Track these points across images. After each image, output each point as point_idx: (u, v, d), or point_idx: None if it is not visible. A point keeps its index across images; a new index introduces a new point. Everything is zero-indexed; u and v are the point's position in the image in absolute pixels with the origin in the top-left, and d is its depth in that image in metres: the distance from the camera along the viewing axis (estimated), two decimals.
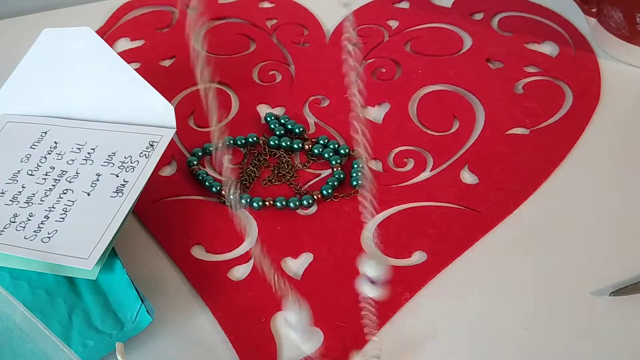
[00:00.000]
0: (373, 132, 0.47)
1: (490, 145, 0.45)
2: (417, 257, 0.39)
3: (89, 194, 0.38)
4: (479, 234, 0.40)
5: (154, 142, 0.40)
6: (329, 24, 0.56)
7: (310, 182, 0.44)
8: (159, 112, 0.41)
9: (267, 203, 0.42)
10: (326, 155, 0.44)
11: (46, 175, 0.40)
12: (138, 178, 0.38)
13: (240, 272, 0.39)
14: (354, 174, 0.43)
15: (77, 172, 0.40)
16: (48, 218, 0.37)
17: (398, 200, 0.42)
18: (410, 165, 0.44)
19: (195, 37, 0.32)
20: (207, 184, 0.43)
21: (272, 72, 0.52)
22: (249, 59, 0.53)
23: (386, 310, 0.36)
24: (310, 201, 0.41)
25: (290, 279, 0.38)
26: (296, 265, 0.39)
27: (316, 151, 0.45)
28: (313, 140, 0.46)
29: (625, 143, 0.46)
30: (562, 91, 0.49)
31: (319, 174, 0.44)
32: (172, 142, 0.42)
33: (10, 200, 0.38)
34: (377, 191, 0.43)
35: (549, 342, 0.35)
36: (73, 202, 0.38)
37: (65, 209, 0.37)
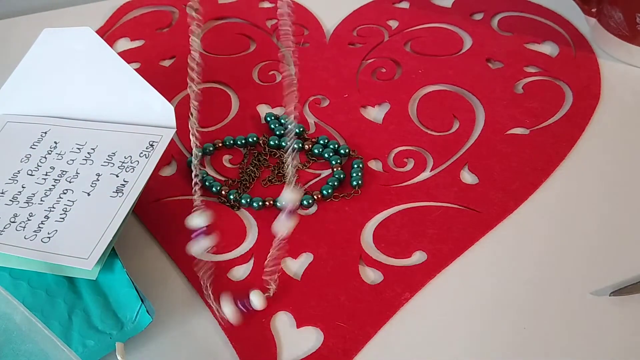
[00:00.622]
0: (373, 132, 0.47)
1: (490, 145, 0.45)
2: (417, 257, 0.39)
3: (89, 194, 0.38)
4: (479, 234, 0.40)
5: (154, 142, 0.40)
6: (329, 24, 0.56)
7: (310, 182, 0.44)
8: (158, 112, 0.41)
9: (267, 203, 0.42)
10: (326, 155, 0.44)
11: (46, 175, 0.40)
12: (138, 178, 0.38)
13: (240, 272, 0.39)
14: (354, 174, 0.43)
15: (77, 172, 0.40)
16: (48, 218, 0.37)
17: (398, 200, 0.42)
18: (410, 165, 0.44)
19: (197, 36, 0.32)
20: (207, 184, 0.43)
21: (272, 72, 0.52)
22: (249, 59, 0.53)
23: (386, 310, 0.36)
24: (310, 201, 0.41)
25: (290, 279, 0.38)
26: (296, 265, 0.39)
27: (316, 151, 0.45)
28: (313, 140, 0.46)
29: (625, 143, 0.46)
30: (562, 91, 0.49)
31: (319, 174, 0.44)
32: (172, 142, 0.42)
33: (10, 200, 0.38)
34: (377, 191, 0.43)
35: (549, 342, 0.35)
36: (73, 202, 0.38)
37: (65, 209, 0.37)
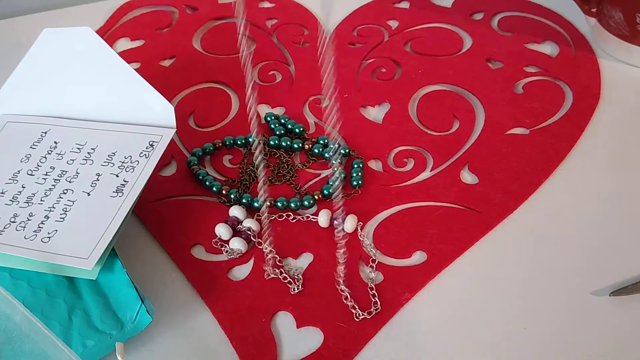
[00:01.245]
0: (373, 132, 0.47)
1: (490, 145, 0.45)
2: (417, 257, 0.39)
3: (89, 194, 0.38)
4: (479, 234, 0.40)
5: (154, 142, 0.40)
6: (329, 24, 0.56)
7: (311, 182, 0.44)
8: (158, 112, 0.41)
9: (267, 203, 0.42)
10: (326, 155, 0.44)
11: (46, 175, 0.40)
12: (138, 178, 0.38)
13: (240, 272, 0.39)
14: (354, 174, 0.43)
15: (77, 172, 0.40)
16: (48, 218, 0.37)
17: (398, 200, 0.42)
18: (410, 165, 0.44)
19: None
20: (207, 183, 0.43)
21: (272, 72, 0.52)
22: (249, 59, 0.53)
23: (386, 310, 0.36)
24: (311, 201, 0.41)
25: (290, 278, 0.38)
26: (296, 265, 0.39)
27: (316, 151, 0.45)
28: (313, 140, 0.46)
29: (625, 143, 0.46)
30: (562, 91, 0.49)
31: (319, 174, 0.44)
32: (172, 142, 0.42)
33: (10, 200, 0.38)
34: (377, 191, 0.43)
35: (549, 342, 0.35)
36: (73, 202, 0.38)
37: (65, 209, 0.37)
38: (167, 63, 0.53)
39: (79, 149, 0.41)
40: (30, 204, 0.38)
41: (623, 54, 0.51)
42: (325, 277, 0.38)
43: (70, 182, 0.39)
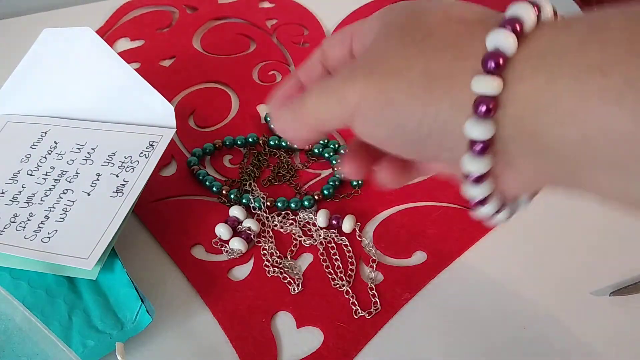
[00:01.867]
0: None
1: None
2: (417, 257, 0.39)
3: (89, 194, 0.38)
4: (479, 234, 0.40)
5: (154, 142, 0.40)
6: (329, 24, 0.56)
7: (310, 182, 0.44)
8: (158, 112, 0.41)
9: (267, 203, 0.42)
10: (326, 155, 0.44)
11: (46, 175, 0.40)
12: (138, 178, 0.38)
13: (240, 272, 0.39)
14: None
15: (77, 172, 0.40)
16: (48, 218, 0.37)
17: (398, 200, 0.42)
18: None
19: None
20: (207, 184, 0.43)
21: (272, 72, 0.52)
22: (249, 59, 0.53)
23: (386, 310, 0.36)
24: (311, 201, 0.41)
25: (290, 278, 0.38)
26: (296, 265, 0.39)
27: (316, 151, 0.45)
28: None
29: None
30: None
31: (319, 174, 0.44)
32: (172, 142, 0.42)
33: (10, 200, 0.38)
34: (377, 191, 0.43)
35: (549, 342, 0.35)
36: (73, 202, 0.38)
37: (65, 209, 0.37)
38: (167, 63, 0.53)
39: (79, 149, 0.41)
40: (30, 204, 0.38)
41: None
42: (326, 277, 0.38)
43: (70, 182, 0.39)
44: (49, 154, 0.41)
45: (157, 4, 0.59)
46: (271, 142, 0.45)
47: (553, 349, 0.35)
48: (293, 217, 0.41)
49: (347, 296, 0.37)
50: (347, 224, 0.40)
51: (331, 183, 0.42)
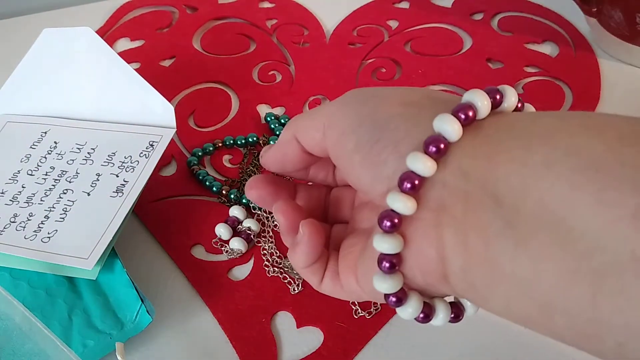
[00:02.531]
0: None
1: None
2: None
3: (89, 194, 0.38)
4: None
5: (154, 142, 0.40)
6: (329, 24, 0.57)
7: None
8: (159, 112, 0.41)
9: None
10: None
11: (46, 175, 0.40)
12: (138, 178, 0.38)
13: (240, 272, 0.39)
14: None
15: (77, 172, 0.40)
16: (48, 218, 0.37)
17: None
18: None
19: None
20: (207, 184, 0.43)
21: (272, 72, 0.52)
22: (249, 59, 0.53)
23: (386, 310, 0.36)
24: None
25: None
26: None
27: None
28: None
29: None
30: (562, 91, 0.49)
31: None
32: (172, 142, 0.42)
33: (10, 200, 0.38)
34: None
35: (549, 342, 0.35)
36: (73, 202, 0.38)
37: (65, 209, 0.37)
38: (167, 63, 0.53)
39: (79, 149, 0.41)
40: (30, 204, 0.38)
41: (623, 54, 0.51)
42: None
43: (70, 182, 0.39)
44: (49, 154, 0.41)
45: (157, 4, 0.59)
46: (271, 142, 0.45)
47: (553, 349, 0.35)
48: None
49: None
50: None
51: None
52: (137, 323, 0.34)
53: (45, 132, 0.43)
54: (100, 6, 0.59)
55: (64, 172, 0.40)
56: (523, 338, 0.35)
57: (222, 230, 0.40)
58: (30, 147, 0.42)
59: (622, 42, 0.51)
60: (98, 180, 0.39)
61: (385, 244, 0.24)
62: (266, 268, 0.38)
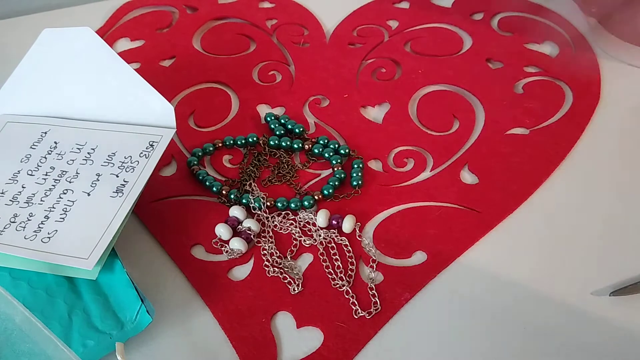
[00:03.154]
0: (373, 132, 0.47)
1: (490, 145, 0.45)
2: (417, 257, 0.39)
3: (89, 194, 0.38)
4: (479, 234, 0.40)
5: (154, 142, 0.40)
6: (329, 24, 0.57)
7: (311, 182, 0.44)
8: (158, 112, 0.41)
9: (267, 203, 0.42)
10: (326, 155, 0.44)
11: (46, 175, 0.40)
12: (138, 178, 0.38)
13: (240, 272, 0.39)
14: (354, 174, 0.43)
15: (77, 172, 0.40)
16: (48, 218, 0.37)
17: (398, 200, 0.42)
18: (410, 165, 0.44)
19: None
20: (207, 184, 0.43)
21: (272, 72, 0.52)
22: (249, 59, 0.53)
23: (386, 310, 0.36)
24: (311, 202, 0.41)
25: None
26: (296, 265, 0.39)
27: (316, 151, 0.45)
28: (313, 140, 0.46)
29: (625, 143, 0.46)
30: (562, 91, 0.49)
31: (319, 174, 0.44)
32: (172, 142, 0.42)
33: (10, 200, 0.38)
34: (377, 191, 0.43)
35: (549, 342, 0.35)
36: (73, 202, 0.38)
37: (65, 209, 0.37)
38: (167, 63, 0.53)
39: (79, 149, 0.41)
40: (30, 204, 0.38)
41: (623, 54, 0.51)
42: (326, 277, 0.38)
43: (70, 182, 0.39)
44: (49, 154, 0.41)
45: (157, 4, 0.59)
46: (271, 142, 0.45)
47: (553, 349, 0.35)
48: (293, 217, 0.41)
49: (347, 296, 0.37)
50: (347, 224, 0.40)
51: (331, 183, 0.42)
52: (137, 323, 0.34)
53: (45, 132, 0.43)
54: (100, 6, 0.59)
55: (64, 172, 0.40)
56: (523, 338, 0.35)
57: (222, 230, 0.40)
58: (30, 147, 0.42)
59: (622, 42, 0.51)
60: (98, 180, 0.39)
61: None
62: (266, 268, 0.38)
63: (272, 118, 0.47)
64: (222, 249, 0.39)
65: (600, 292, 0.37)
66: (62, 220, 0.37)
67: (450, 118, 0.47)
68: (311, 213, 0.41)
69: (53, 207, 0.38)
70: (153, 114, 0.41)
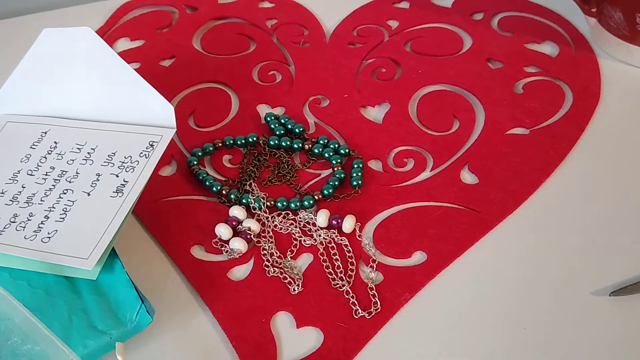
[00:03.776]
0: (373, 132, 0.47)
1: (490, 145, 0.45)
2: (417, 257, 0.39)
3: (89, 194, 0.38)
4: (479, 234, 0.40)
5: (154, 142, 0.40)
6: (329, 24, 0.57)
7: (311, 182, 0.44)
8: (158, 112, 0.41)
9: (267, 203, 0.42)
10: (326, 155, 0.44)
11: (46, 175, 0.40)
12: (138, 178, 0.38)
13: (240, 272, 0.39)
14: (354, 174, 0.43)
15: (77, 172, 0.40)
16: (48, 218, 0.37)
17: (398, 200, 0.42)
18: (410, 165, 0.44)
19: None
20: (207, 184, 0.43)
21: (272, 72, 0.52)
22: (249, 59, 0.53)
23: (386, 310, 0.36)
24: (311, 202, 0.41)
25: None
26: (296, 265, 0.39)
27: (316, 151, 0.45)
28: (313, 140, 0.46)
29: (625, 143, 0.46)
30: (562, 91, 0.49)
31: (319, 174, 0.44)
32: (172, 142, 0.42)
33: (10, 200, 0.38)
34: (377, 191, 0.43)
35: (549, 342, 0.35)
36: (73, 202, 0.38)
37: (65, 209, 0.37)
38: (167, 63, 0.53)
39: (79, 149, 0.41)
40: (30, 204, 0.38)
41: (623, 54, 0.51)
42: (325, 277, 0.38)
43: (70, 182, 0.39)
44: (49, 154, 0.41)
45: (157, 4, 0.59)
46: (271, 142, 0.45)
47: (553, 349, 0.35)
48: (293, 217, 0.41)
49: (347, 296, 0.37)
50: (347, 224, 0.40)
51: (331, 183, 0.42)
52: (137, 323, 0.34)
53: (45, 132, 0.43)
54: (100, 6, 0.59)
55: (64, 172, 0.40)
56: (523, 338, 0.35)
57: (222, 230, 0.40)
58: (30, 147, 0.42)
59: (622, 42, 0.51)
60: (98, 180, 0.39)
61: None
62: (266, 268, 0.38)
63: (272, 118, 0.47)
64: (222, 249, 0.39)
65: (600, 292, 0.37)
66: (62, 220, 0.37)
67: (450, 118, 0.47)
68: (311, 213, 0.41)
69: (53, 207, 0.38)
70: (153, 113, 0.41)
